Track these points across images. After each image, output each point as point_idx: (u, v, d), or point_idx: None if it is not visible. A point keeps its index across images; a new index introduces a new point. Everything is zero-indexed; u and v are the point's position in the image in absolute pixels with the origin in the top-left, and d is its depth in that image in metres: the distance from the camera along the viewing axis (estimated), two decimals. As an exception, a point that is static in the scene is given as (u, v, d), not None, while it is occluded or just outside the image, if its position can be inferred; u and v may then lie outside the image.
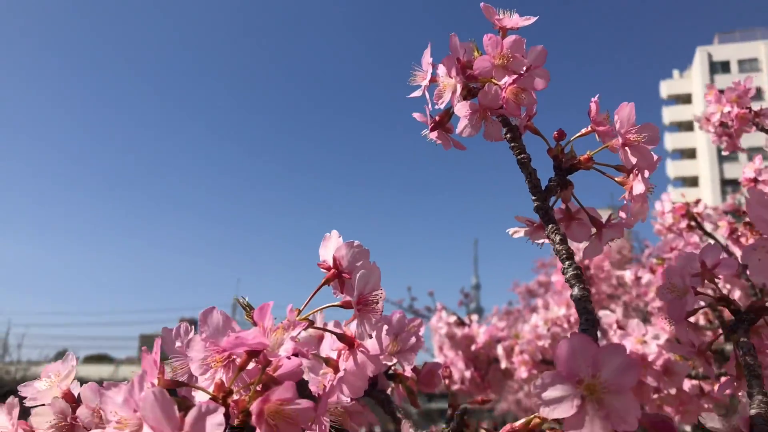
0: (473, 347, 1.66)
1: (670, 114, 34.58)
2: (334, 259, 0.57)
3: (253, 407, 0.39)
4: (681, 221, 1.50)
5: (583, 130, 0.64)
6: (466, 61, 0.63)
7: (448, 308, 1.82)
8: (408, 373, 0.80)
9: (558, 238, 0.60)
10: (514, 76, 0.60)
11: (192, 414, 0.37)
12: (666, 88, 35.73)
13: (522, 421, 0.46)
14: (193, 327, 0.54)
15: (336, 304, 0.56)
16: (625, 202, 0.63)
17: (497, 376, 1.66)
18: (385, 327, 0.66)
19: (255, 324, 0.47)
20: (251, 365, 0.46)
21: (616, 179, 0.63)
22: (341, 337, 0.57)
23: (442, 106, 0.64)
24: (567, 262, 0.59)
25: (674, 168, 34.02)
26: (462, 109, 0.61)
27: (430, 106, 0.66)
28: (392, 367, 0.77)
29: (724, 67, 35.74)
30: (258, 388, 0.43)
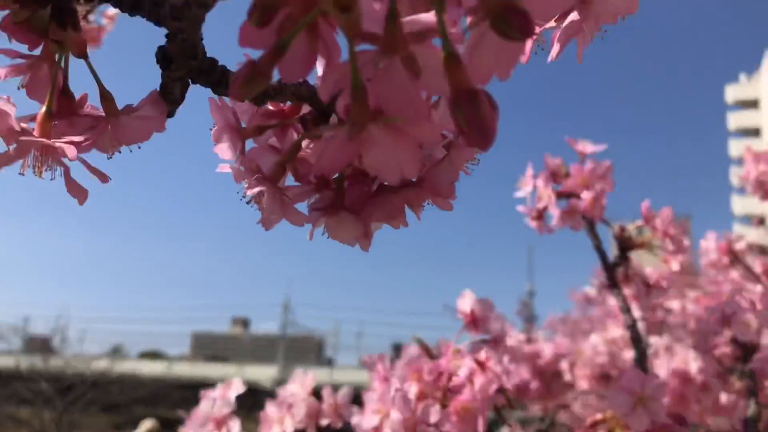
0: (539, 362, 1.95)
1: (735, 120, 33.67)
2: (472, 311, 0.89)
3: (451, 405, 0.72)
4: (723, 258, 1.76)
5: (638, 223, 0.94)
6: (556, 176, 0.94)
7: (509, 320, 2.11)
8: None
9: (620, 297, 0.91)
10: (592, 193, 0.91)
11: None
12: (732, 93, 34.78)
13: (600, 415, 0.77)
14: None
15: (479, 340, 0.88)
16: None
17: (560, 387, 1.94)
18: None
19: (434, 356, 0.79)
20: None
21: (662, 259, 0.93)
22: (479, 363, 0.89)
23: (539, 206, 0.96)
24: (626, 314, 0.89)
25: (735, 175, 33.19)
26: (555, 211, 0.93)
27: (530, 204, 0.98)
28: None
29: (795, 70, 34.71)
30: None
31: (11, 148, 0.30)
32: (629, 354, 1.80)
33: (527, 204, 0.98)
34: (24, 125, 0.31)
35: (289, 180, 0.40)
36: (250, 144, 0.38)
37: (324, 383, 0.94)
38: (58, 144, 0.29)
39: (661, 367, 1.44)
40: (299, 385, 0.87)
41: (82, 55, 0.36)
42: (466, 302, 0.90)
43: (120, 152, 0.34)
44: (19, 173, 0.31)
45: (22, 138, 0.29)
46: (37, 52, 0.35)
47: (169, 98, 0.36)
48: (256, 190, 0.35)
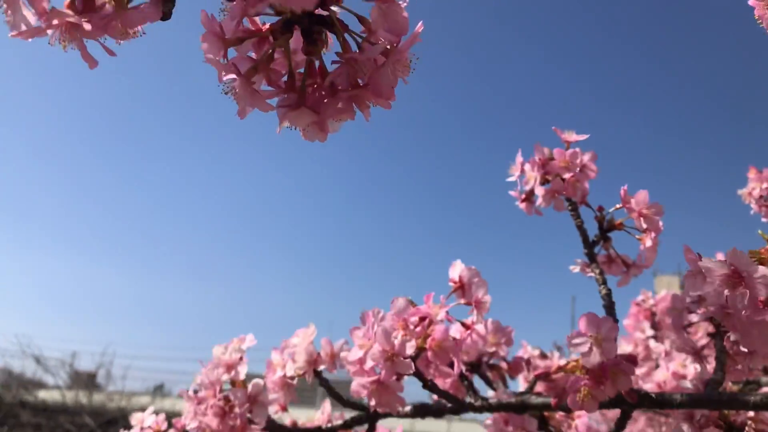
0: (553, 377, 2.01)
1: None
2: (460, 278, 0.98)
3: (428, 343, 0.81)
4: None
5: (617, 206, 1.03)
6: (543, 161, 1.04)
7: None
8: (503, 364, 1.20)
9: (597, 270, 0.99)
10: (571, 174, 1.00)
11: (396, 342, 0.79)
12: None
13: (563, 362, 0.85)
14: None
15: (462, 302, 0.96)
16: (641, 250, 1.01)
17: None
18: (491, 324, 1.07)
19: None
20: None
21: (637, 236, 1.01)
22: (465, 325, 0.98)
23: (527, 188, 1.06)
24: (601, 285, 0.97)
25: None
26: (540, 191, 1.02)
27: (519, 187, 1.07)
28: (491, 356, 1.17)
29: None
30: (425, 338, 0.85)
31: (43, 24, 0.43)
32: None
33: (517, 188, 1.08)
34: (54, 7, 0.43)
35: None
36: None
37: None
38: (76, 19, 0.41)
39: (661, 370, 1.49)
40: (301, 336, 0.97)
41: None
42: (456, 270, 0.99)
43: (130, 40, 0.46)
44: (49, 44, 0.43)
45: (53, 10, 0.42)
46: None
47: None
48: (231, 77, 0.46)
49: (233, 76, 0.47)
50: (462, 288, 0.98)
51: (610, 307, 0.96)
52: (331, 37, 0.50)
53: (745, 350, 0.89)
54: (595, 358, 0.77)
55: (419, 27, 0.49)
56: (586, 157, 1.05)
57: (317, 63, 0.51)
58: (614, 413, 1.32)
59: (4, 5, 0.42)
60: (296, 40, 0.50)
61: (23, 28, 0.43)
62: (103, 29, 0.44)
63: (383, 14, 0.47)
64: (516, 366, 1.17)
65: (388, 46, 0.49)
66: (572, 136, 1.05)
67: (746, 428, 0.91)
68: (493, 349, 1.10)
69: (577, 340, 0.79)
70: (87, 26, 0.42)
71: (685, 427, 0.90)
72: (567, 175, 1.00)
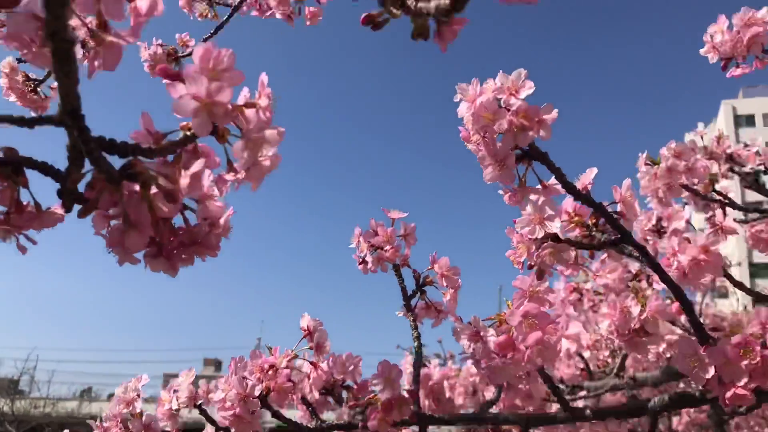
0: (430, 383, 2.35)
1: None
2: (308, 327, 1.29)
3: (272, 385, 1.12)
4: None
5: (428, 267, 1.36)
6: (372, 234, 1.36)
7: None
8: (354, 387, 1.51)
9: (412, 318, 1.32)
10: (391, 246, 1.32)
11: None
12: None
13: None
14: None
15: (306, 348, 1.27)
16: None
17: (447, 404, 2.34)
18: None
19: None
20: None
21: (442, 291, 1.34)
22: (313, 364, 1.29)
23: (362, 255, 1.37)
24: (414, 330, 1.30)
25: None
26: (369, 258, 1.34)
27: (357, 253, 1.39)
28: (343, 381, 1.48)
29: (749, 120, 36.17)
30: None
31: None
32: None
33: (356, 254, 1.39)
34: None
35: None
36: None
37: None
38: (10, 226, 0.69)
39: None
40: (184, 377, 1.26)
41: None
42: (305, 321, 1.30)
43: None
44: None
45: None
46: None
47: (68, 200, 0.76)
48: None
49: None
50: (310, 334, 1.29)
51: (418, 347, 1.29)
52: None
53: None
54: (385, 394, 1.09)
55: (230, 212, 0.79)
56: (408, 228, 1.37)
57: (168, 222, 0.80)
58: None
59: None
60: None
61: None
62: (28, 226, 0.71)
63: (204, 209, 0.76)
64: (361, 388, 1.49)
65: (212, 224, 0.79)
66: (396, 214, 1.37)
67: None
68: (341, 376, 1.42)
69: (375, 381, 1.11)
70: (17, 223, 0.69)
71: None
72: (388, 248, 1.33)
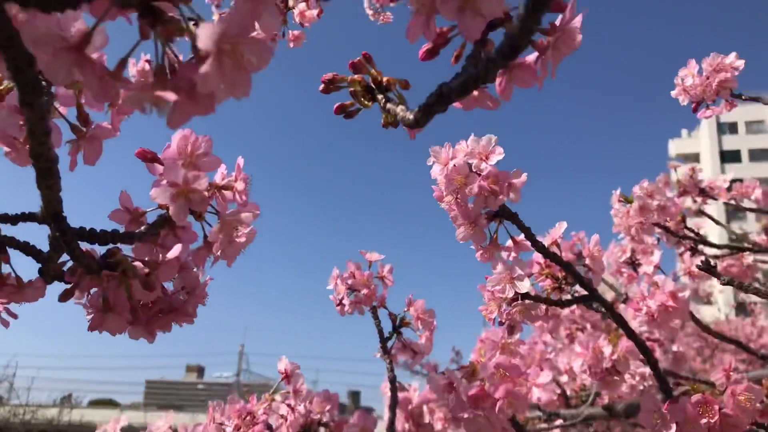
0: (409, 407, 2.38)
1: (678, 173, 34.97)
2: (285, 370, 1.31)
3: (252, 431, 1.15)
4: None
5: (405, 309, 1.39)
6: (349, 276, 1.38)
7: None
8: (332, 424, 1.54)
9: (388, 360, 1.35)
10: (368, 290, 1.35)
11: None
12: (674, 148, 36.47)
13: None
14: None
15: (289, 389, 1.29)
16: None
17: (426, 428, 2.37)
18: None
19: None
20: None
21: (418, 333, 1.37)
22: (290, 407, 1.31)
23: (339, 297, 1.40)
24: (390, 372, 1.33)
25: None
26: (347, 300, 1.37)
27: (335, 295, 1.41)
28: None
29: (732, 128, 36.52)
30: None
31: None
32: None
33: (333, 295, 1.42)
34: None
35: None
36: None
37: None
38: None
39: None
40: (164, 421, 1.28)
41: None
42: (282, 364, 1.33)
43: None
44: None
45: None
46: None
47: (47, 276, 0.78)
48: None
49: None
50: (288, 377, 1.32)
51: (393, 386, 1.31)
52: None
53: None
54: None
55: (207, 280, 0.81)
56: (385, 269, 1.40)
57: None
58: None
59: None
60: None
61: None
62: (11, 299, 0.74)
63: (182, 280, 0.79)
64: (338, 426, 1.52)
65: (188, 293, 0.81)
66: (373, 256, 1.40)
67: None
68: (318, 415, 1.44)
69: (351, 430, 1.14)
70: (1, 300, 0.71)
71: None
72: (364, 291, 1.36)
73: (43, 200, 0.55)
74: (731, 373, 1.05)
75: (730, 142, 35.38)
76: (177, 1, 0.44)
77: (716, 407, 0.94)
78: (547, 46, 0.58)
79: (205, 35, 0.41)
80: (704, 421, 0.94)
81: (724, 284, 0.84)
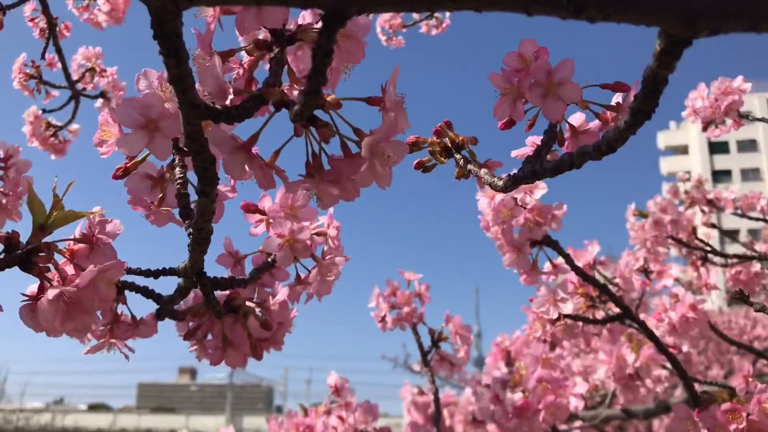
0: (429, 411, 2.48)
1: (667, 165, 35.21)
2: (335, 384, 1.41)
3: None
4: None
5: (443, 325, 1.49)
6: (391, 294, 1.48)
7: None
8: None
9: (429, 373, 1.45)
10: (408, 308, 1.45)
11: None
12: (663, 139, 36.56)
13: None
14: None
15: (341, 402, 1.39)
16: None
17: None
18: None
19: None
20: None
21: (456, 347, 1.47)
22: (340, 418, 1.41)
23: (381, 314, 1.50)
24: (431, 384, 1.43)
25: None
26: (389, 317, 1.47)
27: (377, 312, 1.51)
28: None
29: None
30: None
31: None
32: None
33: (376, 312, 1.52)
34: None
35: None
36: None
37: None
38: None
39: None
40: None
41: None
42: (332, 378, 1.42)
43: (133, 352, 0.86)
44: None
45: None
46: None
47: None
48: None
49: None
50: (338, 391, 1.41)
51: (436, 398, 1.42)
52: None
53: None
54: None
55: (294, 313, 0.91)
56: (422, 287, 1.50)
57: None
58: None
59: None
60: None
61: (91, 340, 0.82)
62: (126, 336, 0.83)
63: (280, 314, 0.89)
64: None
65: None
66: (412, 276, 1.50)
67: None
68: (363, 425, 1.54)
69: None
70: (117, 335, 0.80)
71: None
72: (406, 309, 1.46)
73: (191, 260, 0.65)
74: (750, 379, 1.16)
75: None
76: (329, 108, 0.54)
77: (744, 414, 1.04)
78: (611, 119, 0.69)
79: (364, 145, 0.51)
80: (733, 427, 1.04)
81: (756, 309, 0.94)
